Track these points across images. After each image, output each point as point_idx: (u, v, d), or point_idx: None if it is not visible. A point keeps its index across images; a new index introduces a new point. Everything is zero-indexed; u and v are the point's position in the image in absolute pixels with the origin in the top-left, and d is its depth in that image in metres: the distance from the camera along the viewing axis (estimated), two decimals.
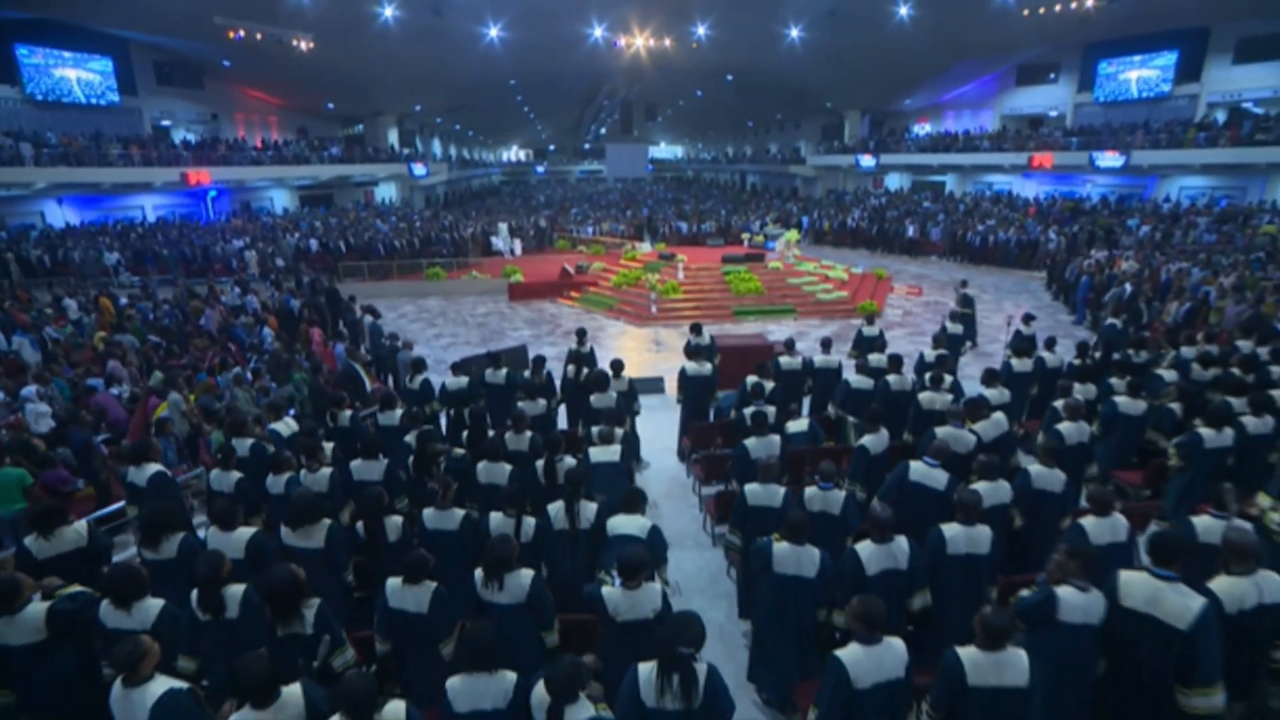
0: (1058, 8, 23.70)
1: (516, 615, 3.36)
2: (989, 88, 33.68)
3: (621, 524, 4.18)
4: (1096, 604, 3.34)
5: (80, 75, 24.47)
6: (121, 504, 6.02)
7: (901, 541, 3.85)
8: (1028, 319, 9.54)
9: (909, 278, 20.72)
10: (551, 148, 72.07)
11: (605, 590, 3.50)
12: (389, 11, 24.58)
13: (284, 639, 3.21)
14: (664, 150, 73.37)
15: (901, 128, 38.11)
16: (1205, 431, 5.36)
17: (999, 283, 20.42)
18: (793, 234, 21.22)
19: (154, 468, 4.88)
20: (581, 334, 8.22)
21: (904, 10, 25.63)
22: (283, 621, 3.30)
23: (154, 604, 3.35)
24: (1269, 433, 5.54)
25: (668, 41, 29.22)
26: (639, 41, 29.00)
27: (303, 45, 25.26)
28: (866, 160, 35.47)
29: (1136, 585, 3.36)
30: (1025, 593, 3.52)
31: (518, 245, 23.33)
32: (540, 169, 70.35)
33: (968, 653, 2.99)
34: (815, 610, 3.89)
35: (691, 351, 8.07)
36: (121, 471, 5.54)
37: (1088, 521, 4.04)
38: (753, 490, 4.43)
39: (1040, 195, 29.98)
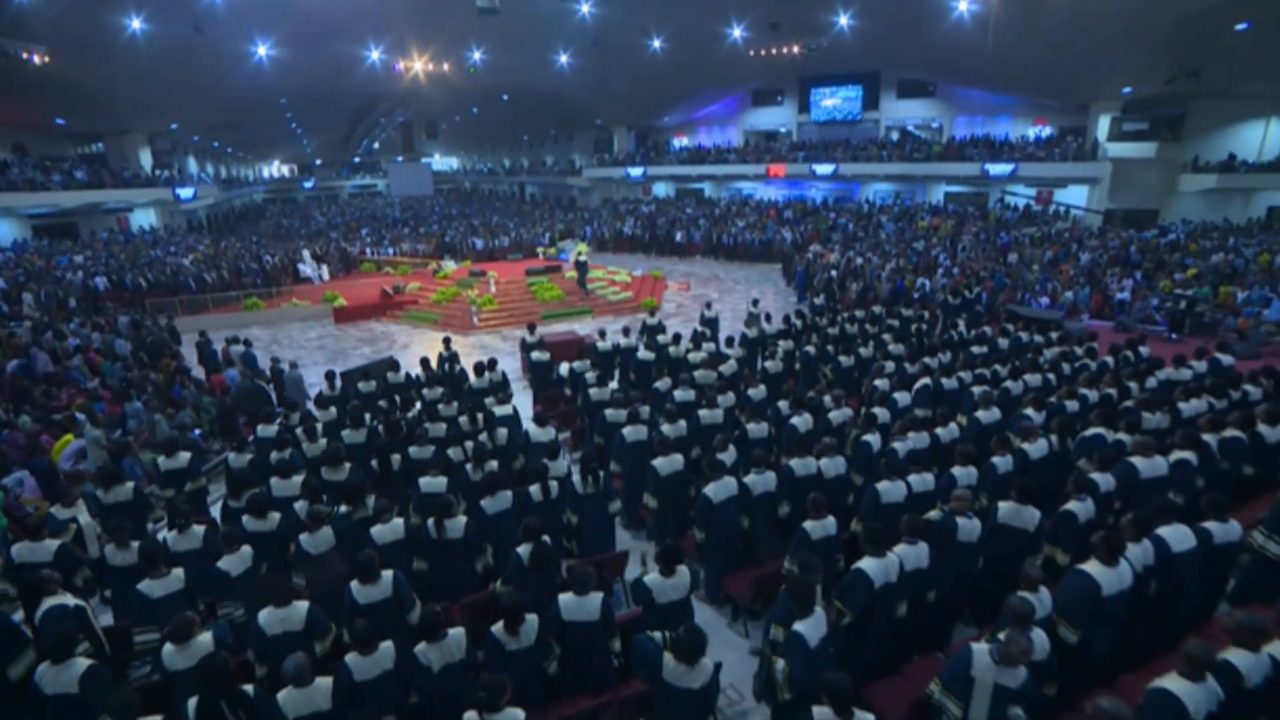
0: (774, 50, 29.60)
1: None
2: (732, 107, 39.69)
3: (539, 434, 7.14)
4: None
5: None
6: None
7: (682, 423, 7.19)
8: (755, 302, 13.74)
9: (679, 275, 24.90)
10: (318, 162, 68.36)
11: (546, 461, 6.29)
12: (137, 24, 23.04)
13: (358, 521, 5.56)
14: (439, 162, 72.82)
15: (663, 141, 42.95)
16: (842, 358, 9.50)
17: (748, 275, 25.41)
18: (582, 246, 24.40)
19: (185, 455, 6.58)
20: (447, 341, 10.63)
21: (656, 43, 29.94)
22: (353, 509, 5.66)
23: (275, 516, 5.63)
24: (871, 356, 9.83)
25: (446, 66, 30.95)
26: (418, 66, 30.39)
27: (36, 59, 23.05)
28: (635, 171, 39.93)
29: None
30: None
31: (325, 270, 23.94)
32: (309, 184, 66.71)
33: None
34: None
35: (532, 345, 10.90)
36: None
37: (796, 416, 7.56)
38: (612, 413, 7.63)
39: (780, 199, 36.44)
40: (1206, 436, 6.18)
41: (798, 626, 3.92)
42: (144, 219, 35.42)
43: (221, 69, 27.63)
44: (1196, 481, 5.94)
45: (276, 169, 68.30)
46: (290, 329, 18.66)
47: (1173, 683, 3.29)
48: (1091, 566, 4.18)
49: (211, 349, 12.27)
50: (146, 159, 34.72)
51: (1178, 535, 4.65)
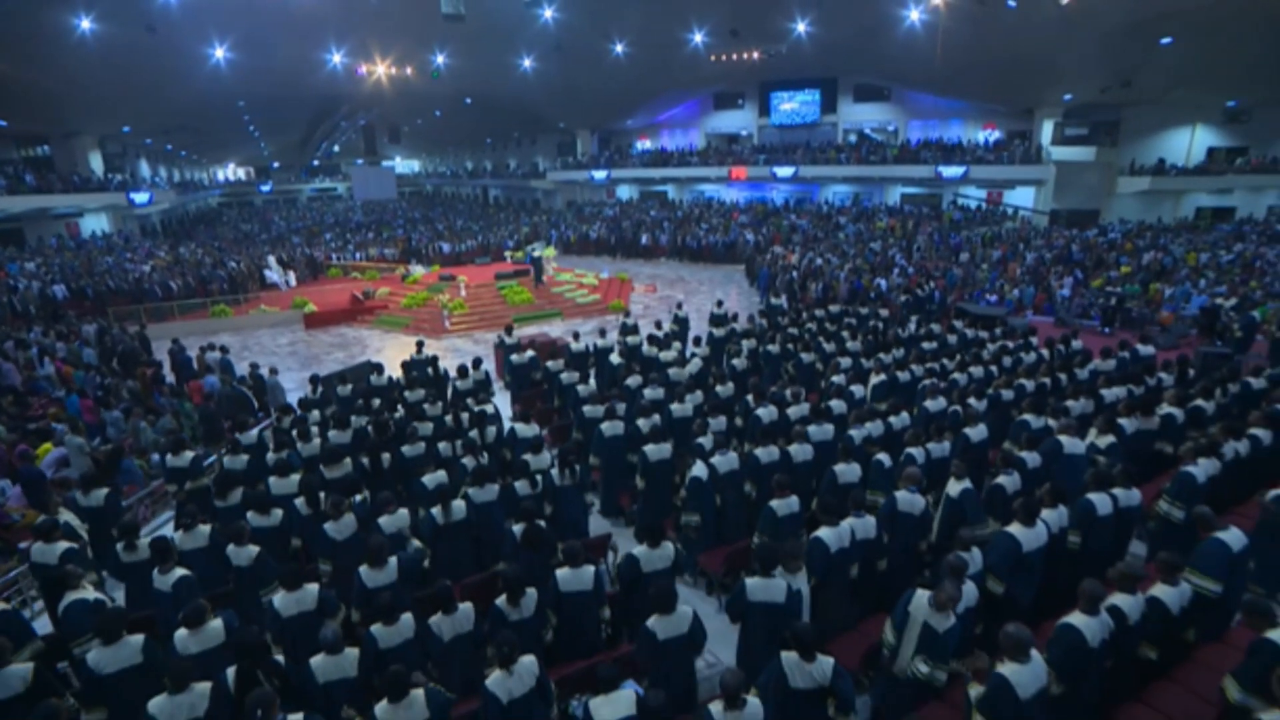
0: (735, 56, 30.36)
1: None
2: (694, 110, 40.31)
3: (523, 430, 7.55)
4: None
5: None
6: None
7: (656, 416, 7.69)
8: (720, 303, 14.35)
9: (645, 278, 25.40)
10: (275, 165, 67.04)
11: (527, 457, 6.73)
12: (86, 24, 22.43)
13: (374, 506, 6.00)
14: (401, 165, 71.95)
15: (626, 144, 43.36)
16: (804, 355, 10.11)
17: (713, 276, 26.10)
18: (550, 250, 24.82)
19: (190, 454, 6.88)
20: (420, 344, 10.98)
21: (619, 48, 30.43)
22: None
23: (278, 512, 6.04)
24: (832, 352, 10.48)
25: (409, 69, 30.98)
26: (381, 69, 30.37)
27: None
28: (599, 174, 40.31)
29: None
30: None
31: (291, 277, 23.86)
32: (266, 188, 65.42)
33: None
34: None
35: (511, 347, 11.37)
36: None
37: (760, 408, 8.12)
38: (590, 409, 8.15)
39: (741, 200, 37.23)
40: (1123, 421, 6.99)
41: (747, 579, 4.60)
42: (95, 224, 34.61)
43: (176, 71, 27.08)
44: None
45: (232, 172, 66.77)
46: (260, 335, 18.68)
47: (1074, 618, 3.99)
48: (1013, 528, 4.89)
49: (185, 356, 12.39)
50: (97, 162, 33.91)
51: (1101, 501, 5.39)
